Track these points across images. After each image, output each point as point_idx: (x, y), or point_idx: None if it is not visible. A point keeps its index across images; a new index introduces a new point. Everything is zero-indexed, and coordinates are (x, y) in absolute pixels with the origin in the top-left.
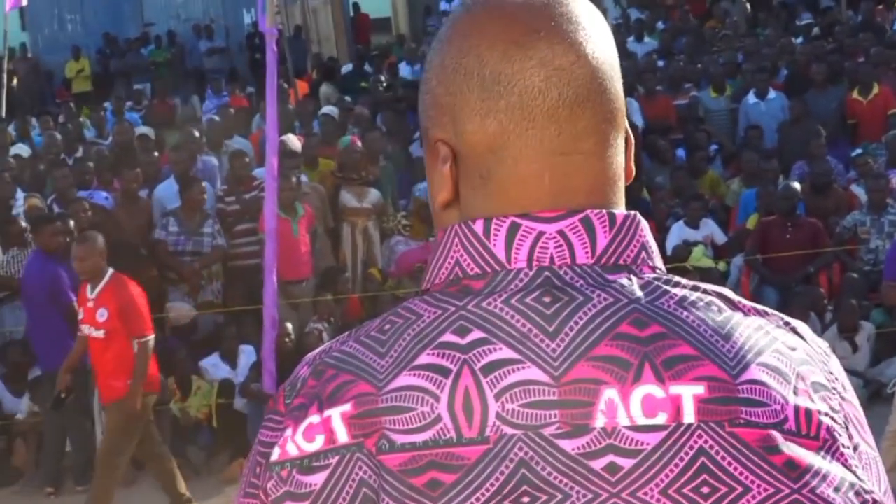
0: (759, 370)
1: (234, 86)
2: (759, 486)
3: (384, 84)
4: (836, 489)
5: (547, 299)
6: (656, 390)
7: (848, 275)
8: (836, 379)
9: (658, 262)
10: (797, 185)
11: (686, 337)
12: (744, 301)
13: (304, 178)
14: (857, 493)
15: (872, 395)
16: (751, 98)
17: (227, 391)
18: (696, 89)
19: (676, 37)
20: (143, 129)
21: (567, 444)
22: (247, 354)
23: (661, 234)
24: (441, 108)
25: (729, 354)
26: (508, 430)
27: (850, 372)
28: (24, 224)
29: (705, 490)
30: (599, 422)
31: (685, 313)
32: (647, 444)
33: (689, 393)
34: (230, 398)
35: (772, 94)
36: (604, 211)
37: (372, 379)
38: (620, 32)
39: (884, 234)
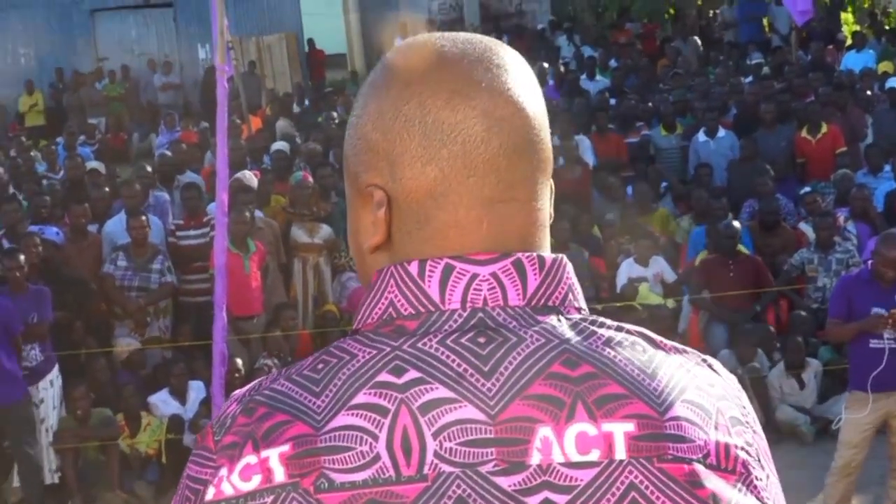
0: (683, 406)
1: (188, 121)
2: None
3: (336, 120)
4: None
5: (481, 340)
6: (589, 428)
7: (795, 312)
8: (748, 413)
9: (582, 302)
10: (737, 224)
11: (615, 376)
12: (664, 340)
13: (258, 213)
14: None
15: (819, 432)
16: (701, 136)
17: (177, 427)
18: (648, 128)
19: (628, 75)
20: (93, 164)
21: (503, 481)
22: (196, 390)
23: (611, 271)
24: (377, 154)
25: (655, 392)
26: (446, 468)
27: (798, 408)
28: None
29: None
30: (535, 459)
31: (612, 353)
32: (581, 479)
33: (620, 430)
34: (180, 434)
35: (721, 132)
36: (534, 254)
37: (309, 419)
38: (573, 70)
39: (831, 272)
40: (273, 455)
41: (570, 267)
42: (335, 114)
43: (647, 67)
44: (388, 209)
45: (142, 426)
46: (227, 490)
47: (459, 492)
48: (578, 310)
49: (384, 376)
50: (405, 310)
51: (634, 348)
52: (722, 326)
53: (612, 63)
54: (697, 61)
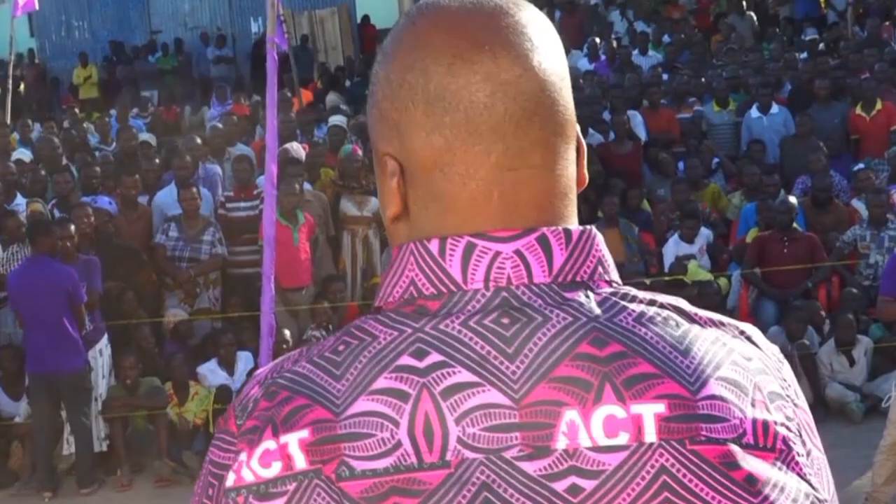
0: (718, 384)
1: (239, 94)
2: (720, 501)
3: None
4: (794, 500)
5: (505, 321)
6: (617, 410)
7: (847, 289)
8: (790, 386)
9: (614, 275)
10: (794, 200)
11: (645, 355)
12: (700, 312)
13: (307, 185)
14: (812, 503)
15: (869, 410)
16: (754, 112)
17: (225, 397)
18: (700, 103)
19: (681, 50)
20: (145, 136)
21: (529, 467)
22: (244, 360)
23: (659, 247)
24: (387, 123)
25: (688, 370)
26: (470, 454)
27: (847, 386)
28: (23, 222)
29: None
30: (561, 443)
31: (643, 330)
32: (609, 464)
33: (649, 412)
34: (227, 404)
35: (775, 108)
36: (559, 228)
37: (329, 404)
38: (625, 45)
39: (883, 249)
40: (292, 441)
41: (599, 238)
42: None
43: (701, 43)
44: (402, 179)
45: (189, 396)
46: (248, 476)
47: (483, 478)
48: (610, 283)
49: (405, 360)
50: (426, 289)
51: (667, 323)
52: (771, 303)
53: (666, 38)
54: (752, 37)
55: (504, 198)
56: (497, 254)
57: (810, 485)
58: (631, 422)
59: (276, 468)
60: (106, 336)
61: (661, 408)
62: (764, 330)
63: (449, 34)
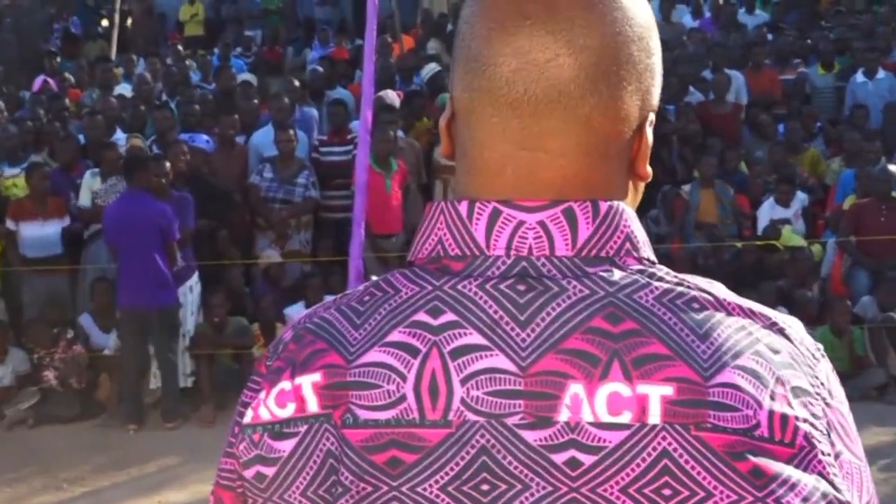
0: (734, 373)
1: (341, 37)
2: (721, 491)
3: None
4: (805, 499)
5: (521, 287)
6: (623, 388)
7: None
8: (822, 384)
9: (646, 252)
10: (893, 168)
11: (660, 335)
12: (730, 299)
13: (400, 133)
14: None
15: None
16: (859, 77)
17: None
18: (805, 65)
19: (789, 10)
20: (245, 76)
21: (530, 436)
22: None
23: (754, 210)
24: (454, 63)
25: (703, 356)
26: (472, 417)
27: None
28: (122, 154)
29: (666, 492)
30: (563, 416)
31: (662, 310)
32: (610, 441)
33: (656, 393)
34: None
35: (881, 73)
36: (587, 201)
37: (343, 351)
38: (732, 3)
39: None
40: (306, 383)
41: (629, 214)
42: None
43: (809, 3)
44: (452, 123)
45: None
46: (264, 414)
47: (483, 441)
48: (639, 260)
49: (421, 316)
50: (452, 250)
51: (690, 305)
52: (865, 272)
53: None
54: None
55: (517, 175)
56: (521, 223)
57: (833, 486)
58: (636, 401)
59: (290, 409)
60: (196, 273)
61: (668, 390)
62: (856, 299)
63: None
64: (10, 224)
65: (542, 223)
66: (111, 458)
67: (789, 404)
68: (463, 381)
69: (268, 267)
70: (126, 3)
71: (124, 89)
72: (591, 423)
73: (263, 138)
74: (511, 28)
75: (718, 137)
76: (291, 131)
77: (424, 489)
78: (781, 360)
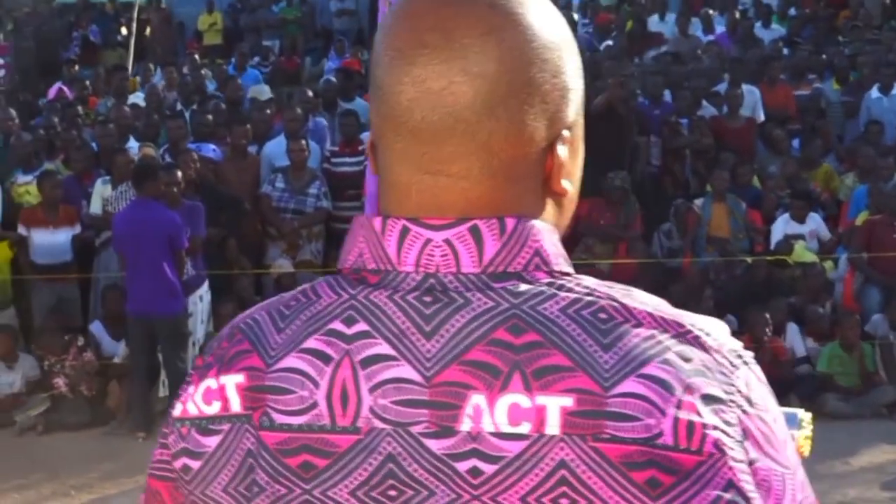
0: (637, 383)
1: (358, 48)
2: (616, 501)
3: None
4: None
5: (428, 299)
6: (523, 399)
7: None
8: (739, 391)
9: (559, 265)
10: None
11: (562, 346)
12: (642, 308)
13: None
14: None
15: None
16: (874, 92)
17: None
18: (820, 80)
19: (805, 25)
20: (257, 88)
21: (434, 444)
22: None
23: (768, 225)
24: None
25: (605, 366)
26: (379, 424)
27: None
28: (133, 160)
29: (564, 501)
30: (465, 426)
31: (567, 321)
32: (510, 451)
33: (555, 405)
34: None
35: None
36: (494, 219)
37: (265, 354)
38: (750, 17)
39: None
40: (230, 383)
41: (539, 228)
42: None
43: (826, 18)
44: (372, 143)
45: None
46: (192, 409)
47: (390, 449)
48: (550, 273)
49: (336, 324)
50: (369, 263)
51: (596, 316)
52: (877, 289)
53: (792, 12)
54: (881, 15)
55: (422, 197)
56: (428, 241)
57: (742, 493)
58: (535, 412)
59: (216, 407)
60: (207, 282)
61: (568, 401)
62: (868, 316)
63: (409, 23)
64: (21, 230)
65: (448, 241)
66: (120, 466)
67: (698, 412)
68: (371, 390)
69: (279, 277)
70: (145, 12)
71: (139, 98)
72: (491, 433)
73: (276, 148)
74: (409, 56)
75: (732, 152)
76: (304, 142)
77: (335, 493)
78: (692, 368)
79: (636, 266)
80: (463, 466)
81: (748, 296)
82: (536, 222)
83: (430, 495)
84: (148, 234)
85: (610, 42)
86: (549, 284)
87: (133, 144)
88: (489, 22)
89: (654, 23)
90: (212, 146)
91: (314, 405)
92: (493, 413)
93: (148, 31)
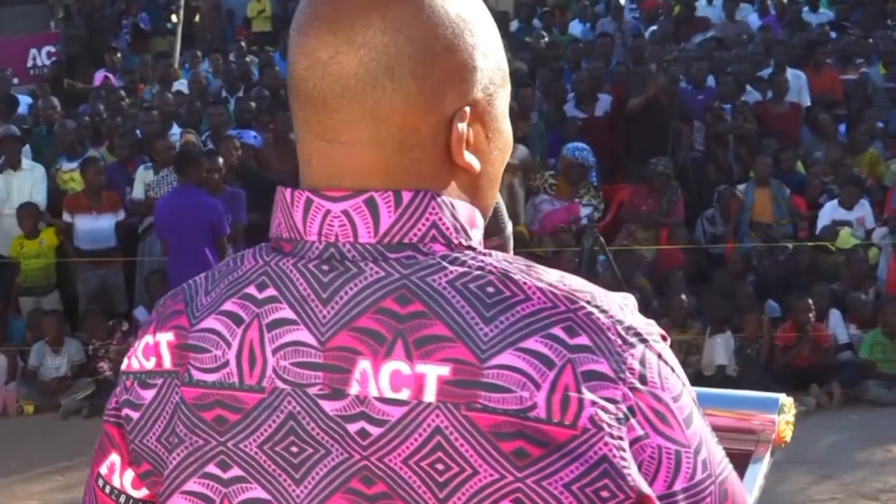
0: (515, 355)
1: None
2: (485, 469)
3: (546, 40)
4: (570, 483)
5: (326, 267)
6: (403, 367)
7: None
8: (631, 369)
9: (459, 238)
10: None
11: (444, 317)
12: (533, 283)
13: None
14: (603, 489)
15: None
16: None
17: None
18: (867, 65)
19: (854, 9)
20: None
21: (327, 405)
22: None
23: (812, 210)
24: None
25: (485, 338)
26: (280, 385)
27: None
28: (173, 145)
29: (440, 466)
30: (354, 389)
31: (452, 293)
32: (392, 416)
33: (433, 373)
34: None
35: None
36: (390, 191)
37: (191, 315)
38: (797, 2)
39: None
40: (163, 341)
41: (439, 202)
42: (544, 33)
43: (876, 2)
44: None
45: None
46: (135, 364)
47: (290, 408)
48: (448, 245)
49: (251, 289)
50: (284, 233)
51: (484, 290)
52: None
53: None
54: None
55: (321, 165)
56: (328, 212)
57: (616, 469)
58: (413, 380)
59: (152, 362)
60: None
61: (445, 370)
62: None
63: (310, 2)
64: (65, 217)
65: (346, 212)
66: None
67: (576, 388)
68: (274, 352)
69: None
70: (193, 0)
71: (183, 86)
72: (376, 398)
73: None
74: (305, 29)
75: (776, 137)
76: None
77: (246, 446)
78: (577, 345)
79: (679, 252)
80: (353, 428)
81: (791, 282)
82: (440, 197)
83: (327, 454)
84: (190, 220)
85: (655, 27)
86: (444, 257)
87: (176, 131)
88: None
89: (701, 7)
90: (252, 133)
91: (226, 364)
92: (377, 378)
93: (197, 18)
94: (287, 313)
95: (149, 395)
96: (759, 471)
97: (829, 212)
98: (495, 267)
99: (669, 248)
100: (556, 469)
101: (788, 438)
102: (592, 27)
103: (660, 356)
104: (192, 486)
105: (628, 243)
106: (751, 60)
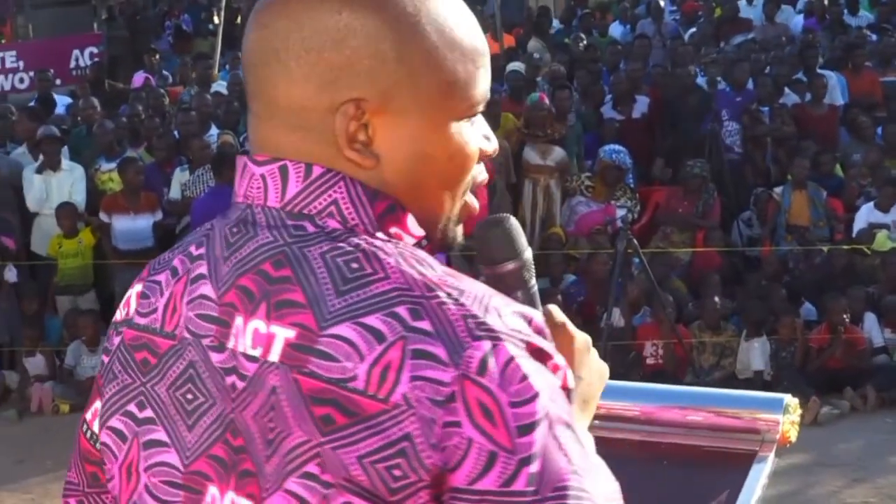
0: (352, 328)
1: None
2: (297, 431)
3: (584, 42)
4: (364, 456)
5: (235, 229)
6: (262, 326)
7: None
8: (468, 359)
9: (355, 220)
10: None
11: (305, 285)
12: (398, 265)
13: None
14: (396, 467)
15: None
16: None
17: None
18: None
19: (895, 11)
20: None
21: (214, 357)
22: None
23: (849, 213)
24: None
25: (332, 308)
26: (186, 334)
27: None
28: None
29: (271, 424)
30: (231, 343)
31: (319, 263)
32: (250, 371)
33: (282, 335)
34: None
35: None
36: (301, 163)
37: (152, 269)
38: (839, 4)
39: None
40: (133, 293)
41: (348, 183)
42: (583, 35)
43: None
44: None
45: None
46: (118, 315)
47: (190, 357)
48: (343, 224)
49: (192, 247)
50: (237, 197)
51: (349, 265)
52: None
53: None
54: None
55: (251, 132)
56: (252, 175)
57: (415, 448)
58: (266, 339)
59: (124, 312)
60: None
61: (291, 334)
62: None
63: None
64: (103, 217)
65: (262, 176)
66: None
67: (399, 365)
68: (188, 303)
69: None
70: (236, 1)
71: (222, 87)
72: (242, 353)
73: None
74: (256, 7)
75: (813, 140)
76: None
77: (157, 388)
78: (417, 326)
79: (715, 254)
80: (229, 380)
81: (827, 284)
82: (354, 181)
83: (213, 404)
84: None
85: (694, 29)
86: (330, 232)
87: (213, 132)
88: None
89: (742, 7)
90: None
91: (155, 311)
92: (244, 335)
93: (238, 19)
94: (204, 270)
95: (116, 341)
96: (762, 471)
97: (866, 214)
98: (369, 249)
99: (705, 250)
100: (355, 440)
101: (793, 439)
102: (632, 29)
103: (513, 358)
104: (114, 422)
105: (664, 245)
106: (788, 62)
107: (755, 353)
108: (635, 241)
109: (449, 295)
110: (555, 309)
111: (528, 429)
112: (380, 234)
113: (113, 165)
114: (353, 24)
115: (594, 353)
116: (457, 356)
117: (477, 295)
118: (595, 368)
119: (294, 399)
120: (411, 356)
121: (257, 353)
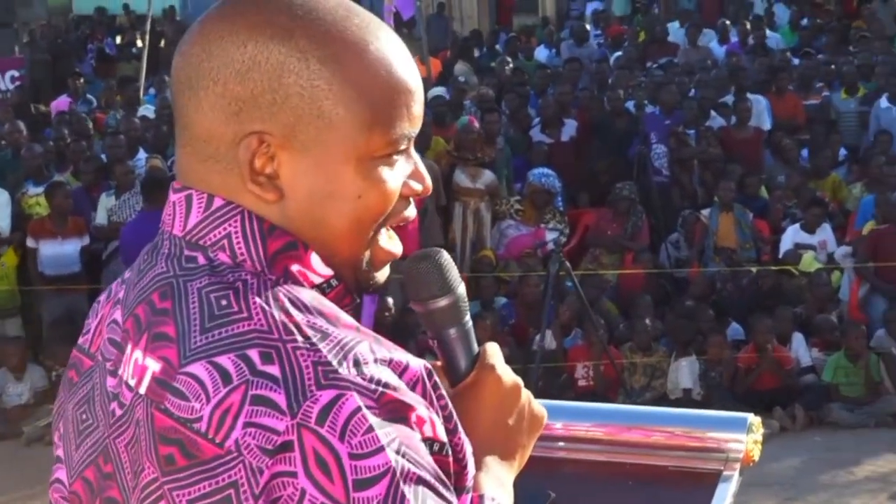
0: (205, 368)
1: None
2: (148, 467)
3: (510, 66)
4: (194, 500)
5: (146, 257)
6: (140, 357)
7: None
8: (309, 407)
9: (244, 255)
10: None
11: (179, 319)
12: (270, 308)
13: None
14: None
15: None
16: (883, 102)
17: None
18: (829, 90)
19: (817, 35)
20: None
21: (109, 382)
22: None
23: (775, 234)
24: None
25: (193, 345)
26: (98, 356)
27: None
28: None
29: (136, 457)
30: (120, 370)
31: (195, 298)
32: (127, 401)
33: (151, 367)
34: None
35: None
36: (205, 194)
37: (109, 291)
38: (761, 27)
39: None
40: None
41: (244, 217)
42: (509, 59)
43: (837, 29)
44: None
45: None
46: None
47: (95, 379)
48: (232, 258)
49: (127, 273)
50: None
51: (218, 302)
52: (882, 298)
53: (804, 22)
54: (894, 25)
55: (177, 159)
56: (170, 201)
57: (238, 498)
58: (140, 370)
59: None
60: None
61: (157, 367)
62: (873, 325)
63: None
64: (30, 242)
65: (174, 203)
66: None
67: (238, 409)
68: (107, 326)
69: None
70: (160, 24)
71: (146, 111)
72: (125, 382)
73: None
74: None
75: (739, 162)
76: None
77: (69, 405)
78: (265, 371)
79: (643, 276)
80: (111, 406)
81: (754, 305)
82: (251, 215)
83: (97, 427)
84: None
85: (619, 53)
86: (216, 266)
87: (142, 156)
88: (207, 15)
89: (671, 31)
90: None
91: (88, 331)
92: (129, 363)
93: (163, 43)
94: (121, 294)
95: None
96: (728, 490)
97: (792, 235)
98: (241, 282)
99: (634, 272)
100: (190, 482)
101: (756, 457)
102: (557, 52)
103: (359, 409)
104: (55, 437)
105: (594, 267)
106: (714, 86)
107: (684, 372)
108: (567, 264)
109: (307, 339)
110: (490, 348)
111: (367, 483)
112: (269, 272)
113: (40, 190)
114: (258, 56)
115: (528, 397)
116: (296, 404)
117: (342, 341)
118: (527, 414)
119: (148, 435)
120: (250, 402)
121: (133, 383)
